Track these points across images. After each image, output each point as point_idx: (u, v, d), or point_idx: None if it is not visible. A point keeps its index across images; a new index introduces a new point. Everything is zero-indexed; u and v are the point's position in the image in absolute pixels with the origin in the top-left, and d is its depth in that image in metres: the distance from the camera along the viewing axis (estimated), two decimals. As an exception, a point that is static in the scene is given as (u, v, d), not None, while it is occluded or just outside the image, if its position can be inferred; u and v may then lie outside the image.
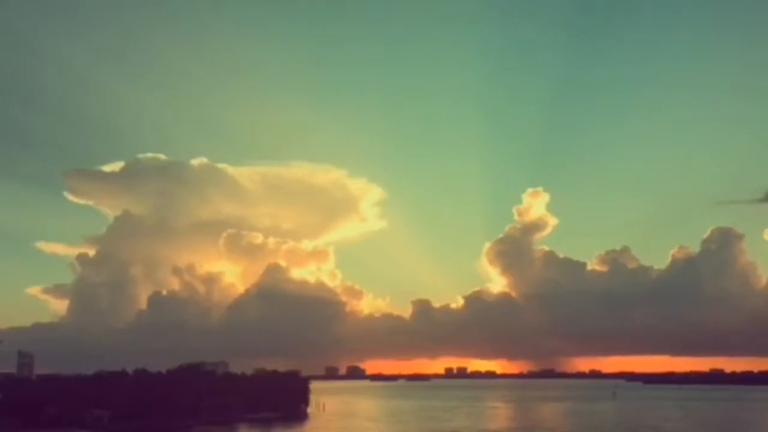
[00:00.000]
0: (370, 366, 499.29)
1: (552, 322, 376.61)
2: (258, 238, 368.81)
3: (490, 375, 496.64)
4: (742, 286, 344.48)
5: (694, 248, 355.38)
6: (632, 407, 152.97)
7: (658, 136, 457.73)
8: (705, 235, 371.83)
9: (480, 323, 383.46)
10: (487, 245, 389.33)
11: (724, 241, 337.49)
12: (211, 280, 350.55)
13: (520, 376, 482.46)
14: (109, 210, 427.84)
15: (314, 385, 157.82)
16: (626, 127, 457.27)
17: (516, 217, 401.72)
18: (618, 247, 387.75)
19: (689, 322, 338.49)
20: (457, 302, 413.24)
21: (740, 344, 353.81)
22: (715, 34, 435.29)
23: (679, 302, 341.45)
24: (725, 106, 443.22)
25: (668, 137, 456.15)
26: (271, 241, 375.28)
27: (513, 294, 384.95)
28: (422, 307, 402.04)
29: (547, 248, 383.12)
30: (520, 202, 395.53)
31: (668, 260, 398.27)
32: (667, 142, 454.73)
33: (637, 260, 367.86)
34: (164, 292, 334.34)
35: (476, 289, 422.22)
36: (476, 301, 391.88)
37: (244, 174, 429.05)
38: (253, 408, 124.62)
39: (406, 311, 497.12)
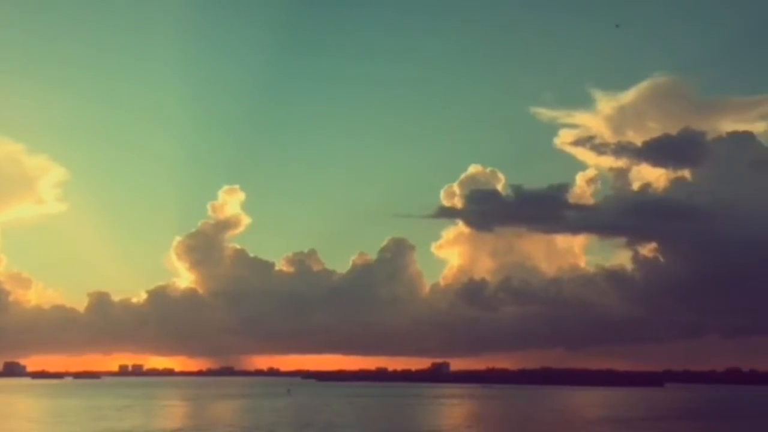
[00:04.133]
0: (33, 362, 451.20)
1: (236, 320, 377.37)
2: None
3: (168, 372, 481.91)
4: (409, 292, 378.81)
5: (372, 255, 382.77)
6: (306, 403, 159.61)
7: (346, 151, 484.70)
8: (382, 244, 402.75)
9: (162, 319, 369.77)
10: (177, 239, 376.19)
11: (398, 251, 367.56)
12: None
13: (199, 373, 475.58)
14: None
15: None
16: (320, 139, 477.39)
17: (210, 213, 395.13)
18: (306, 250, 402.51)
19: (362, 323, 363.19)
20: (140, 296, 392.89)
21: (402, 345, 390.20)
22: (401, 62, 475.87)
23: (356, 305, 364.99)
24: (408, 132, 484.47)
25: (355, 154, 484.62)
26: None
27: (200, 290, 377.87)
28: (100, 299, 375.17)
29: (238, 246, 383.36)
30: (215, 198, 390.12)
31: (349, 265, 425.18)
32: (355, 157, 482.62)
33: (323, 263, 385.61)
34: None
35: (161, 283, 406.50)
36: (160, 296, 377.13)
37: None
38: None
39: (81, 304, 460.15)
